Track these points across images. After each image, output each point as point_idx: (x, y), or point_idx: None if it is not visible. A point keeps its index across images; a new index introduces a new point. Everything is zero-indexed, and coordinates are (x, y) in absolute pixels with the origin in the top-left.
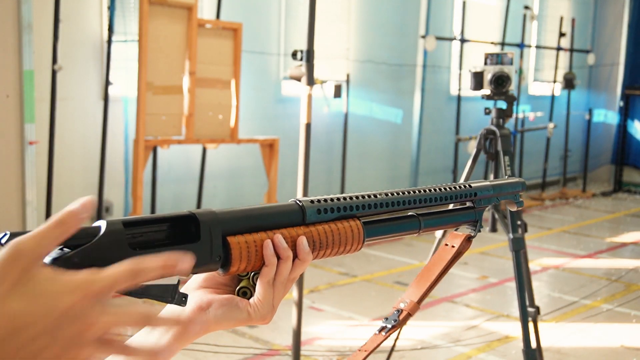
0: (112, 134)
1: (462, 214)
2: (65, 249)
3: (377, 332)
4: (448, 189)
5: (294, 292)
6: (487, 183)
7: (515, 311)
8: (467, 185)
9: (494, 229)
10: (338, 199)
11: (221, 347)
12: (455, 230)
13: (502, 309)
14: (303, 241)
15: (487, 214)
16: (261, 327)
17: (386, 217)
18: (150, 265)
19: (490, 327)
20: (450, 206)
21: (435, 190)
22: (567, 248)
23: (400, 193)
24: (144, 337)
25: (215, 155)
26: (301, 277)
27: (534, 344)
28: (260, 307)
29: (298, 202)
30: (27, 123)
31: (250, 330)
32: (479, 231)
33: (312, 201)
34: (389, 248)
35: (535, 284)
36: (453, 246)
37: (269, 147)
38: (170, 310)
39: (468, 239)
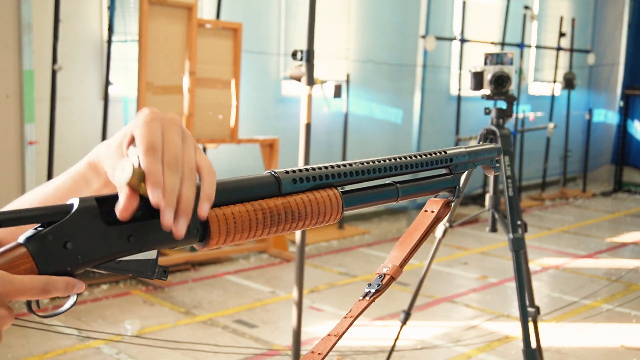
0: (112, 134)
1: (440, 181)
2: (39, 227)
3: (362, 298)
4: (424, 155)
5: (294, 292)
6: (462, 149)
7: (515, 311)
8: (442, 152)
9: (494, 229)
10: (313, 168)
11: (221, 347)
12: (435, 197)
13: (502, 309)
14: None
15: (487, 214)
16: (261, 327)
17: (364, 186)
18: (58, 286)
19: (490, 327)
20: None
21: (411, 157)
22: (567, 248)
23: (377, 161)
24: None
25: (215, 155)
26: (301, 277)
27: (534, 344)
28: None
29: (273, 172)
30: (27, 123)
31: (250, 330)
32: (457, 197)
33: (287, 171)
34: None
35: (535, 284)
36: (432, 211)
37: (269, 147)
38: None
39: (447, 204)
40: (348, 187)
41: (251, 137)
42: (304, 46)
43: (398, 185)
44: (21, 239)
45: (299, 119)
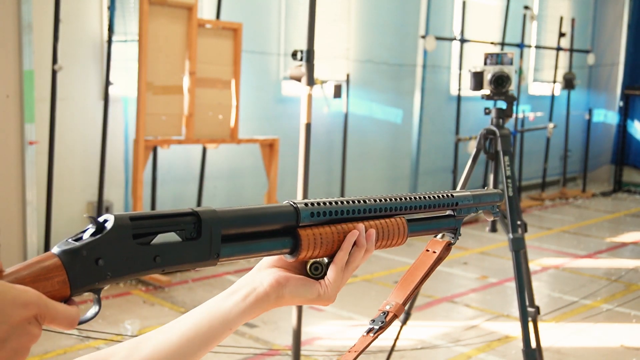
0: (112, 134)
1: (444, 222)
2: (72, 240)
3: (365, 334)
4: (433, 197)
5: None
6: (468, 193)
7: (515, 311)
8: (449, 195)
9: (494, 229)
10: (330, 202)
11: (221, 347)
12: (435, 237)
13: (502, 309)
14: (373, 233)
15: None
16: (261, 327)
17: None
18: (78, 319)
19: (490, 327)
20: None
21: (420, 198)
22: (567, 248)
23: (389, 199)
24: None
25: (215, 155)
26: None
27: (534, 344)
28: (330, 288)
29: (293, 204)
30: (27, 123)
31: (251, 330)
32: (458, 239)
33: (306, 204)
34: (389, 248)
35: (535, 284)
36: (434, 252)
37: (269, 147)
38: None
39: (448, 246)
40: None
41: (251, 137)
42: (304, 46)
43: (407, 223)
44: (55, 250)
45: (299, 119)
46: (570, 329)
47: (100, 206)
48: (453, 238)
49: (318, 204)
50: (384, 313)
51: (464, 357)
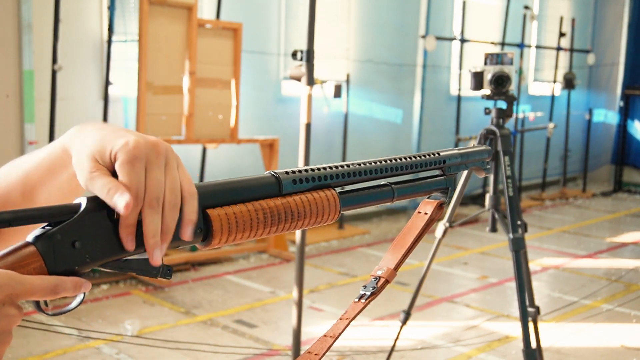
0: None
1: (433, 182)
2: (47, 226)
3: (357, 300)
4: (418, 157)
5: (294, 292)
6: (455, 151)
7: (515, 311)
8: (436, 153)
9: (494, 229)
10: (312, 169)
11: (221, 347)
12: (428, 198)
13: (502, 309)
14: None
15: (487, 214)
16: (261, 327)
17: (360, 187)
18: (67, 287)
19: (490, 327)
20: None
21: (406, 159)
22: (567, 248)
23: (373, 163)
24: None
25: (215, 155)
26: (301, 277)
27: (534, 344)
28: None
29: (274, 173)
30: (27, 123)
31: (251, 330)
32: (450, 198)
33: (287, 172)
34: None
35: (535, 284)
36: (426, 213)
37: (269, 147)
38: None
39: (440, 206)
40: (346, 188)
41: (251, 137)
42: (304, 46)
43: (393, 186)
44: (30, 238)
45: (299, 119)
46: (571, 329)
47: None
48: (445, 197)
49: (300, 171)
50: (376, 279)
51: (464, 357)
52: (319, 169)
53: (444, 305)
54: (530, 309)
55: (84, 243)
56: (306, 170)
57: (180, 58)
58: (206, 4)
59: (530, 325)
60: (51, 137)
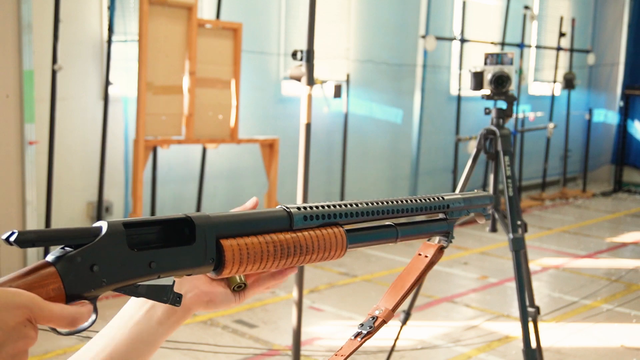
0: (112, 134)
1: (436, 225)
2: (67, 248)
3: (353, 338)
4: (423, 200)
5: (294, 292)
6: (459, 196)
7: (515, 311)
8: (440, 197)
9: (494, 229)
10: (322, 206)
11: (221, 347)
12: (428, 240)
13: (502, 309)
14: (290, 272)
15: None
16: (261, 327)
17: (366, 226)
18: (84, 319)
19: (490, 327)
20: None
21: (411, 201)
22: (567, 248)
23: (380, 203)
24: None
25: (215, 155)
26: (301, 277)
27: (534, 344)
28: (241, 301)
29: (286, 208)
30: (27, 123)
31: (250, 330)
32: (451, 242)
33: (298, 208)
34: (389, 248)
35: (535, 284)
36: (426, 256)
37: (269, 147)
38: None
39: (440, 249)
40: (353, 226)
41: (251, 137)
42: (304, 46)
43: (398, 227)
44: (50, 258)
45: (299, 119)
46: (571, 329)
47: (100, 206)
48: (445, 241)
49: (311, 207)
50: (373, 318)
51: (464, 357)
52: (329, 207)
53: (444, 305)
54: (530, 309)
55: (102, 267)
56: (317, 207)
57: (180, 58)
58: (206, 4)
59: (530, 325)
60: (51, 137)
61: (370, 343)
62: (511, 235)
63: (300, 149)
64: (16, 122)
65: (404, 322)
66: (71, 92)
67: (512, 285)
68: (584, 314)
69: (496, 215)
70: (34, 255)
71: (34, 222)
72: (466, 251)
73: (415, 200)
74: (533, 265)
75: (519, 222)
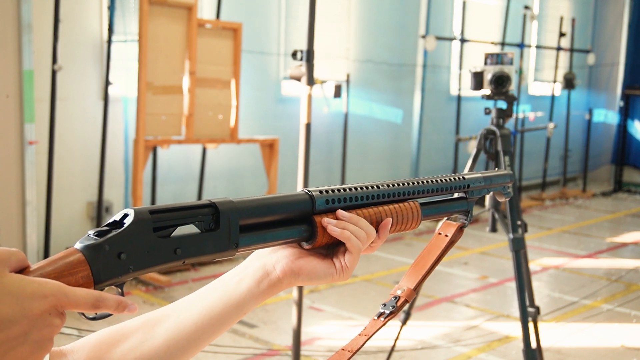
0: (112, 134)
1: (456, 204)
2: (94, 235)
3: (376, 318)
4: (444, 180)
5: (294, 292)
6: (479, 175)
7: (515, 311)
8: (461, 177)
9: (494, 229)
10: (344, 189)
11: (221, 347)
12: (448, 219)
13: (502, 309)
14: (389, 222)
15: (487, 214)
16: (261, 327)
17: None
18: (109, 304)
19: (490, 327)
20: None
21: (432, 181)
22: (567, 248)
23: (401, 184)
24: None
25: (215, 155)
26: None
27: (534, 344)
28: (345, 271)
29: (308, 191)
30: (27, 123)
31: (251, 330)
32: (470, 221)
33: (320, 191)
34: (389, 248)
35: (535, 284)
36: (447, 235)
37: (269, 147)
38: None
39: (460, 228)
40: None
41: (251, 137)
42: (304, 46)
43: (419, 207)
44: (78, 246)
45: (299, 119)
46: (571, 329)
47: (100, 206)
48: (465, 220)
49: (332, 190)
50: (396, 298)
51: (464, 358)
52: (350, 189)
53: (444, 305)
54: (530, 309)
55: (130, 254)
56: (339, 190)
57: (180, 58)
58: (206, 4)
59: (531, 325)
60: (51, 137)
61: (370, 343)
62: (511, 235)
63: (300, 149)
64: (16, 122)
65: (404, 322)
66: (71, 92)
67: (512, 285)
68: (584, 314)
69: (496, 215)
70: (33, 248)
71: (34, 222)
72: (466, 251)
73: (436, 181)
74: (533, 265)
75: (519, 222)
